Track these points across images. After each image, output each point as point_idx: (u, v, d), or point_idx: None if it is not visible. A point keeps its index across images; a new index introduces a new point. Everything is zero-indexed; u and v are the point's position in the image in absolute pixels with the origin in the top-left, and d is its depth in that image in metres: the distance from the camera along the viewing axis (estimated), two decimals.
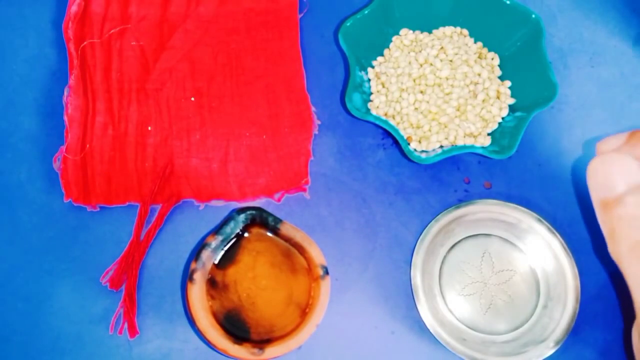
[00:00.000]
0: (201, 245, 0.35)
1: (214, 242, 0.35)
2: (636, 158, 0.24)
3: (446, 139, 0.40)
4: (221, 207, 0.40)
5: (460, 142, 0.40)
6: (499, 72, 0.42)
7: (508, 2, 0.41)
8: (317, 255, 0.35)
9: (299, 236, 0.35)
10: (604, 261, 0.39)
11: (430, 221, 0.39)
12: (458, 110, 0.40)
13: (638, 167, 0.24)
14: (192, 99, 0.41)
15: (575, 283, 0.37)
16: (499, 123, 0.41)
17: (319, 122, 0.41)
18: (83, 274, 0.38)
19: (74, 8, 0.42)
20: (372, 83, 0.42)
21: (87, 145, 0.40)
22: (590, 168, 0.25)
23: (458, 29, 0.43)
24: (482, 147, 0.39)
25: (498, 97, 0.41)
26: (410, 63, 0.42)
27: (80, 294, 0.38)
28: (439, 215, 0.39)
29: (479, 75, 0.41)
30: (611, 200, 0.24)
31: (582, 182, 0.41)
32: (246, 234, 0.36)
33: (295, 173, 0.40)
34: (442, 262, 0.39)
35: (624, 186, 0.24)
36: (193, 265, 0.34)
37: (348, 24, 0.41)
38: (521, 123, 0.39)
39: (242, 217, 0.35)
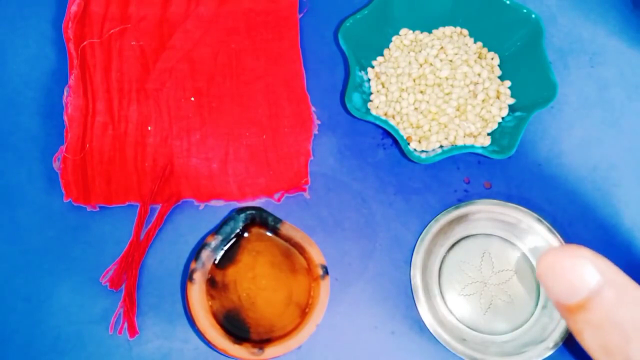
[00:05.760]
0: (201, 245, 0.35)
1: (214, 242, 0.35)
2: None
3: (446, 139, 0.40)
4: (221, 207, 0.40)
5: (460, 142, 0.40)
6: (499, 72, 0.42)
7: (508, 2, 0.41)
8: (317, 255, 0.35)
9: (299, 236, 0.35)
10: None
11: (430, 221, 0.39)
12: (458, 110, 0.40)
13: (593, 270, 0.24)
14: (192, 99, 0.41)
15: None
16: (499, 123, 0.41)
17: (319, 122, 0.41)
18: (83, 274, 0.38)
19: (74, 8, 0.42)
20: (372, 83, 0.42)
21: (87, 145, 0.40)
22: (541, 270, 0.25)
23: (458, 29, 0.43)
24: (482, 147, 0.39)
25: (498, 97, 0.41)
26: (410, 63, 0.42)
27: (80, 294, 0.38)
28: (439, 215, 0.39)
29: (479, 75, 0.41)
30: (574, 306, 0.24)
31: (582, 182, 0.41)
32: (246, 234, 0.36)
33: (295, 173, 0.40)
34: (442, 262, 0.39)
35: (584, 292, 0.24)
36: (193, 265, 0.34)
37: (348, 24, 0.41)
38: (521, 123, 0.39)
39: (242, 217, 0.35)
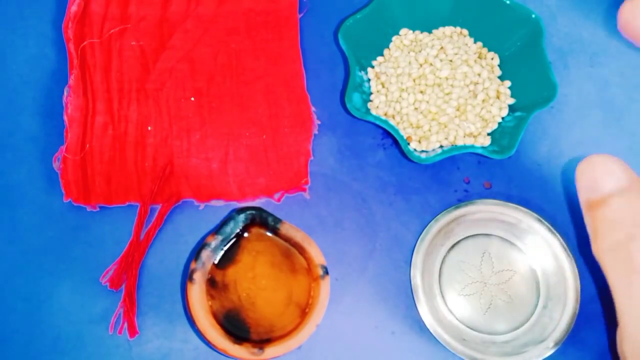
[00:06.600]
0: (201, 245, 0.35)
1: (214, 242, 0.35)
2: None
3: (446, 139, 0.40)
4: (221, 207, 0.40)
5: (460, 142, 0.40)
6: (499, 72, 0.42)
7: (508, 2, 0.41)
8: (317, 255, 0.35)
9: (298, 236, 0.35)
10: None
11: (430, 221, 0.39)
12: (458, 110, 0.40)
13: (623, 170, 0.25)
14: (192, 99, 0.41)
15: (575, 283, 0.37)
16: (499, 123, 0.41)
17: (319, 122, 0.41)
18: (83, 274, 0.38)
19: (74, 8, 0.42)
20: (372, 83, 0.42)
21: (87, 145, 0.40)
22: (578, 169, 0.26)
23: (458, 29, 0.43)
24: (482, 147, 0.39)
25: (498, 97, 0.41)
26: (410, 63, 0.42)
27: (80, 294, 0.38)
28: (439, 215, 0.39)
29: (479, 75, 0.41)
30: (595, 201, 0.25)
31: None
32: (246, 234, 0.36)
33: (295, 173, 0.40)
34: (442, 262, 0.39)
35: (608, 188, 0.25)
36: (193, 265, 0.34)
37: (348, 24, 0.41)
38: (521, 123, 0.39)
39: (242, 217, 0.35)
